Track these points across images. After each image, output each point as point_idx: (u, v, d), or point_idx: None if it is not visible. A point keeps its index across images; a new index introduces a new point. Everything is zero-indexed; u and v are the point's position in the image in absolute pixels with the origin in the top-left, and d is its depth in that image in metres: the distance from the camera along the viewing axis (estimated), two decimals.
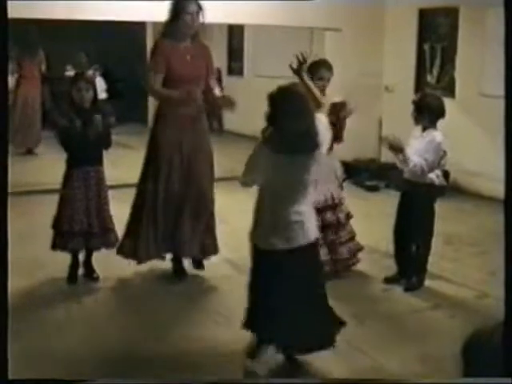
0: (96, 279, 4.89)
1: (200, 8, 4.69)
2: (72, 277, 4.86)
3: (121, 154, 10.22)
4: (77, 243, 4.75)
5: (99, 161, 4.80)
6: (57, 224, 4.76)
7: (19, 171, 8.44)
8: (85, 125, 4.64)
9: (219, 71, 12.13)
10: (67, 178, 4.75)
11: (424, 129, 4.67)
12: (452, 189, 7.40)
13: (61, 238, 4.76)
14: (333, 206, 4.93)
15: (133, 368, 3.63)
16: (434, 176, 4.70)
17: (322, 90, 4.85)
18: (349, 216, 5.09)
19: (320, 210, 4.87)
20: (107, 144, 4.79)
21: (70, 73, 11.37)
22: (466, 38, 7.85)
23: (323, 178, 4.88)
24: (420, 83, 8.53)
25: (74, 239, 4.73)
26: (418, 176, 4.63)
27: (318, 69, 4.87)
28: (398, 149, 4.57)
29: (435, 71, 8.35)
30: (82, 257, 4.91)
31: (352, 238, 5.11)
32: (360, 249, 5.18)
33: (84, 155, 4.69)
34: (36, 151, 10.15)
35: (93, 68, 11.64)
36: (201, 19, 4.72)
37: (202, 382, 3.48)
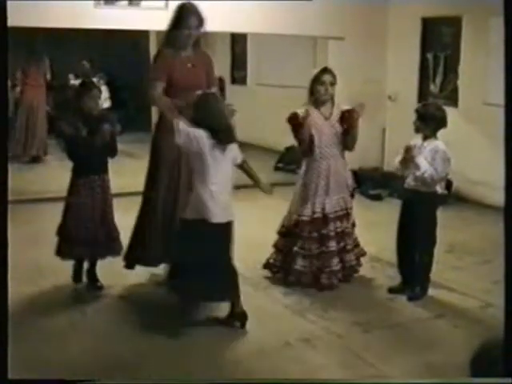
0: (100, 288, 4.88)
1: (200, 21, 4.70)
2: (77, 277, 4.90)
3: (124, 162, 10.22)
4: (82, 251, 4.76)
5: (105, 169, 4.81)
6: (62, 231, 4.76)
7: (25, 179, 8.48)
8: (91, 133, 4.64)
9: (223, 80, 12.15)
10: (73, 186, 4.76)
11: (425, 138, 4.66)
12: (455, 197, 7.42)
13: (66, 245, 4.76)
14: (345, 215, 4.97)
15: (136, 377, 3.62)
16: (438, 185, 4.70)
17: (325, 95, 4.87)
18: (354, 224, 5.15)
19: (333, 219, 4.90)
20: (113, 152, 4.79)
21: (75, 82, 11.40)
22: (470, 47, 7.85)
23: (337, 187, 4.91)
24: (423, 92, 8.53)
25: (79, 247, 4.73)
26: (421, 185, 4.62)
27: (320, 75, 4.90)
28: (409, 157, 4.58)
29: (438, 80, 8.35)
30: (85, 265, 4.91)
31: (357, 245, 5.18)
32: (363, 254, 5.24)
33: (90, 164, 4.69)
34: (44, 159, 10.18)
35: (97, 76, 11.68)
36: (201, 31, 4.74)
37: (202, 382, 3.48)
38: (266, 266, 5.23)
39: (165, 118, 4.78)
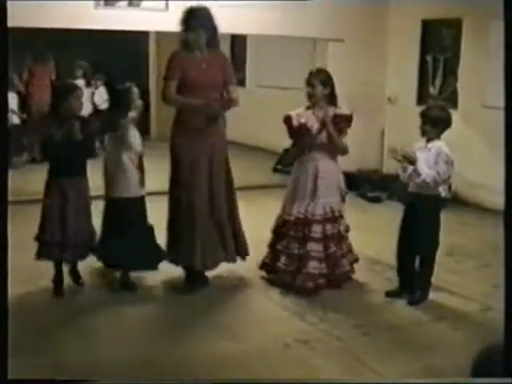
0: (81, 285, 4.91)
1: (208, 23, 4.74)
2: (58, 290, 4.85)
3: None
4: (58, 253, 4.74)
5: (82, 171, 4.76)
6: (41, 234, 4.74)
7: (25, 179, 8.45)
8: (66, 134, 4.61)
9: None
10: (48, 187, 4.73)
11: (428, 140, 4.65)
12: (454, 200, 7.40)
13: (44, 248, 4.74)
14: (332, 218, 4.93)
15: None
16: (441, 188, 4.68)
17: (311, 96, 4.90)
18: (347, 228, 5.11)
19: (319, 222, 4.89)
20: (91, 153, 4.76)
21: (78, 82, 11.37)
22: (469, 50, 7.86)
23: (325, 190, 4.90)
24: (422, 94, 8.52)
25: (55, 249, 4.72)
26: (425, 188, 4.59)
27: (308, 76, 4.96)
28: (410, 161, 4.55)
29: (438, 82, 8.35)
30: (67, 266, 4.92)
31: (351, 250, 5.13)
32: (356, 260, 5.19)
33: (65, 165, 4.66)
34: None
35: (96, 77, 11.65)
36: (209, 33, 4.76)
37: (202, 381, 3.48)
38: (262, 266, 5.22)
39: (183, 118, 4.83)
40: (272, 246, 5.15)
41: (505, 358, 1.81)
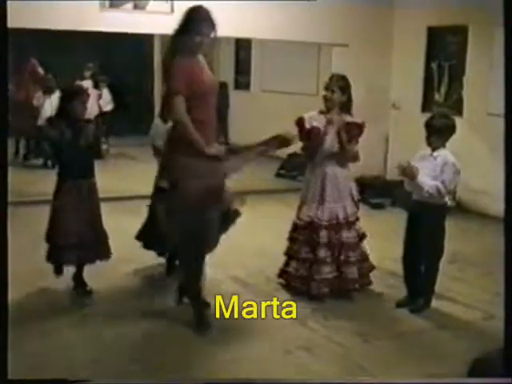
0: (89, 293, 4.85)
1: (213, 27, 4.35)
2: (58, 269, 4.87)
3: (127, 165, 10.25)
4: (71, 256, 4.71)
5: (91, 173, 4.77)
6: (51, 237, 4.71)
7: (25, 181, 8.48)
8: (76, 136, 4.61)
9: (226, 86, 12.14)
10: (59, 190, 4.70)
11: (434, 148, 4.61)
12: (457, 208, 7.39)
13: (56, 251, 4.72)
14: (339, 224, 4.91)
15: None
16: (447, 197, 4.64)
17: (327, 101, 4.88)
18: (361, 236, 5.07)
19: (326, 227, 4.87)
20: (98, 154, 4.78)
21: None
22: (475, 57, 7.84)
23: (334, 195, 4.88)
24: (427, 101, 8.52)
25: (68, 252, 4.68)
26: (430, 197, 4.55)
27: (327, 81, 4.95)
28: (411, 176, 4.53)
29: (443, 89, 8.34)
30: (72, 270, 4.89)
31: (364, 259, 5.08)
32: (371, 269, 5.16)
33: (76, 167, 4.66)
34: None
35: (100, 79, 11.66)
36: (212, 36, 4.54)
37: (202, 382, 3.47)
38: (280, 274, 5.18)
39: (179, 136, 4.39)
40: (286, 252, 5.12)
41: (505, 359, 1.79)
